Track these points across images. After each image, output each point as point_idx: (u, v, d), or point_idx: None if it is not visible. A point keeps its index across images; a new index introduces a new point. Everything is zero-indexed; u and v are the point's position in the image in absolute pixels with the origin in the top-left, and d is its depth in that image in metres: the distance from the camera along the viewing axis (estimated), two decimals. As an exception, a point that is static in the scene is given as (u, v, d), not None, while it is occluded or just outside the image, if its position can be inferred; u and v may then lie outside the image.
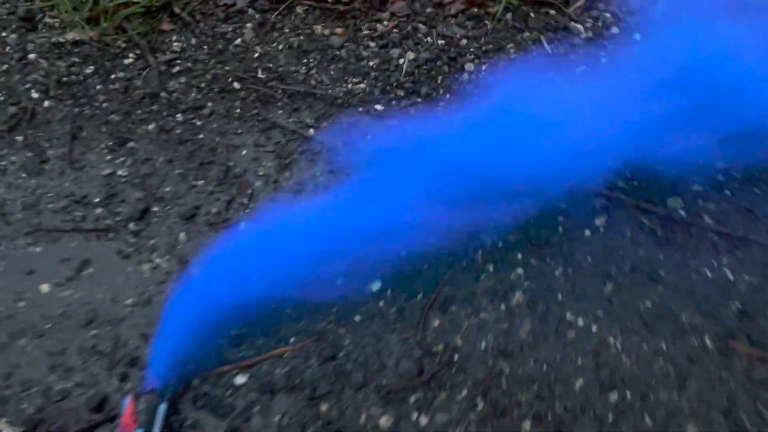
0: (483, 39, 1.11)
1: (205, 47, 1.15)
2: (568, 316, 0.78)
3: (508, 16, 1.16)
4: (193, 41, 1.16)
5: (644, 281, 0.81)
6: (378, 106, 1.01)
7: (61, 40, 1.12)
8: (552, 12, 1.16)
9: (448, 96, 1.01)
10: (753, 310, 0.78)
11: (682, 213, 0.87)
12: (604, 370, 0.73)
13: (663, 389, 0.72)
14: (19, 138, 1.00)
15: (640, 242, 0.84)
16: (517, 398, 0.71)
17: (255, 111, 1.03)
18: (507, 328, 0.77)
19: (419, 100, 1.01)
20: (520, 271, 0.82)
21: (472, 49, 1.10)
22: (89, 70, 1.10)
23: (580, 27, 1.11)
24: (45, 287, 0.83)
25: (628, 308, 0.79)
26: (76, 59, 1.11)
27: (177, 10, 1.16)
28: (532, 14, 1.15)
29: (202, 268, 0.82)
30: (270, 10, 1.19)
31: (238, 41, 1.15)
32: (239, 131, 1.01)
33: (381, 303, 0.79)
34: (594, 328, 0.77)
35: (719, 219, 0.86)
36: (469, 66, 1.07)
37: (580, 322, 0.77)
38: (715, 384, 0.72)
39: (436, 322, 0.78)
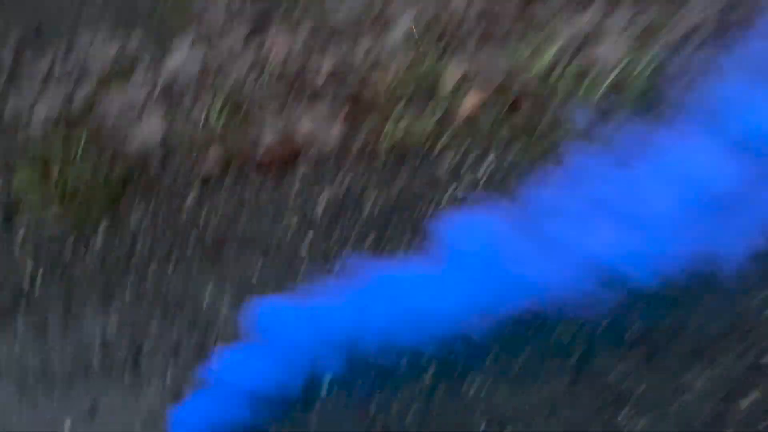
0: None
1: (162, 213, 1.47)
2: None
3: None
4: (152, 209, 1.47)
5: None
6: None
7: (43, 216, 1.40)
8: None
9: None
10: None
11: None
12: None
13: None
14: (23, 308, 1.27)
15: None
16: None
17: (209, 260, 1.35)
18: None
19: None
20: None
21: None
22: (70, 241, 1.39)
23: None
24: (68, 423, 1.09)
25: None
26: (59, 234, 1.40)
27: (135, 186, 1.48)
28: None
29: (189, 397, 1.12)
30: (209, 177, 1.52)
31: (187, 206, 1.47)
32: (198, 281, 1.32)
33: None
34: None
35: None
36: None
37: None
38: None
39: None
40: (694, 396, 1.03)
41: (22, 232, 1.36)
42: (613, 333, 1.08)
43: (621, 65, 1.36)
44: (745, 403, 1.01)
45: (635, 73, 1.41)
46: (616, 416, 1.03)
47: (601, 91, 1.35)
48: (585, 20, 1.57)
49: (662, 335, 1.07)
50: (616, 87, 1.36)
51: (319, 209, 1.30)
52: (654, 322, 1.08)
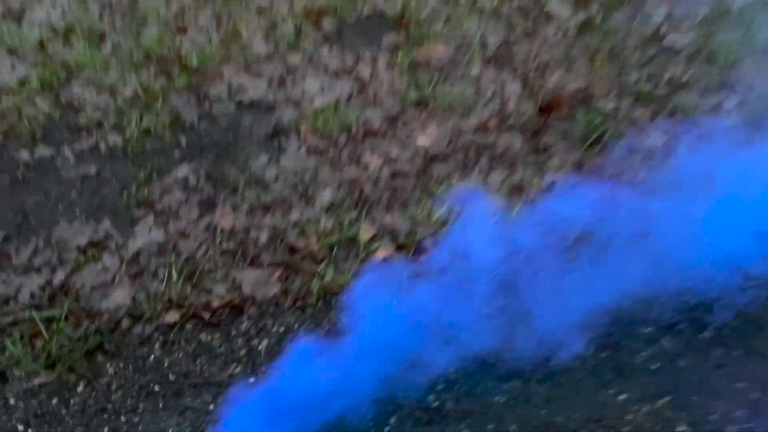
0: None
1: (130, 366, 1.75)
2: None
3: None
4: (122, 364, 1.76)
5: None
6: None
7: (30, 385, 1.68)
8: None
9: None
10: None
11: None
12: None
13: None
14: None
15: None
16: None
17: (172, 402, 1.62)
18: None
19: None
20: None
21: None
22: (54, 401, 1.65)
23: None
24: None
25: None
26: (44, 396, 1.67)
27: (107, 346, 1.77)
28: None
29: None
30: (169, 331, 1.83)
31: (151, 357, 1.76)
32: (164, 419, 1.58)
33: None
34: None
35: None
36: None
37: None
38: None
39: None
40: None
41: (12, 399, 1.62)
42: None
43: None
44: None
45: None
46: None
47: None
48: (471, 180, 2.03)
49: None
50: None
51: (263, 350, 1.62)
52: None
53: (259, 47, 2.50)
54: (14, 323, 1.63)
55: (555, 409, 1.43)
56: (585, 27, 2.53)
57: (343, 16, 2.64)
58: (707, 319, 1.56)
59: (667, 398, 1.43)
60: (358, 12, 2.68)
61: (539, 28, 2.57)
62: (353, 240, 1.81)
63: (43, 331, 1.61)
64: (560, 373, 1.47)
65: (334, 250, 1.79)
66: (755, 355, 1.50)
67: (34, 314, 1.64)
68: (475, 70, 2.40)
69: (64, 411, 1.57)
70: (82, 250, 1.80)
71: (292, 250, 1.78)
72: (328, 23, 2.62)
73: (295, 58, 2.46)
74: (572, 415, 1.41)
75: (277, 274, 1.73)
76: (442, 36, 2.54)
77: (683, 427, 1.36)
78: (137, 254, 1.79)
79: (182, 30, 2.56)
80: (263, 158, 2.09)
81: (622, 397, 1.44)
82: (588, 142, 2.07)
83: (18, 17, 2.62)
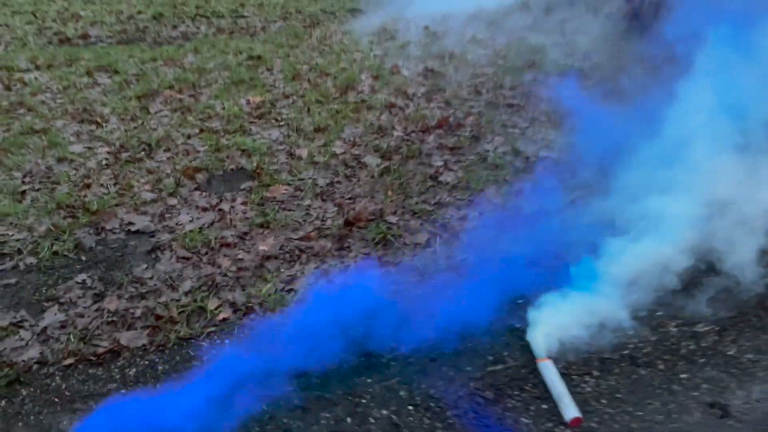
0: None
1: (38, 390, 2.49)
2: None
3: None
4: (32, 389, 2.50)
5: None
6: None
7: None
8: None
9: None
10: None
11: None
12: None
13: None
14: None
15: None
16: None
17: (67, 406, 2.38)
18: None
19: None
20: None
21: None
22: None
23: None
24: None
25: None
26: None
27: (22, 379, 2.52)
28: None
29: None
30: (67, 369, 2.59)
31: (53, 384, 2.50)
32: (61, 417, 2.33)
33: None
34: None
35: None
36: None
37: None
38: None
39: None
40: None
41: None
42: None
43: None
44: None
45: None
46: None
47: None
48: (294, 270, 3.00)
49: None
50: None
51: (132, 374, 2.45)
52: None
53: (146, 195, 3.51)
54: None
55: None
56: (386, 171, 3.70)
57: (212, 171, 3.72)
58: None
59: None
60: (224, 168, 3.77)
61: (355, 173, 3.72)
62: (203, 309, 2.72)
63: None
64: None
65: (188, 316, 2.69)
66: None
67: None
68: (306, 202, 3.48)
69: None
70: (4, 329, 2.62)
71: (158, 317, 2.67)
72: (201, 176, 3.68)
73: (173, 201, 3.48)
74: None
75: (146, 332, 2.60)
76: (285, 181, 3.64)
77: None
78: (45, 329, 2.63)
79: (87, 186, 3.56)
80: (143, 266, 3.01)
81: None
82: (375, 242, 3.12)
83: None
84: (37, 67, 5.25)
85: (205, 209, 3.35)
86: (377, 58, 5.32)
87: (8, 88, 4.73)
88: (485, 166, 3.69)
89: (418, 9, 7.16)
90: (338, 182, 3.60)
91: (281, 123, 4.23)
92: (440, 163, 3.74)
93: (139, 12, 7.38)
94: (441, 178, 3.60)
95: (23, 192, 3.45)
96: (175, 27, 7.02)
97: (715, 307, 2.68)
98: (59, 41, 6.35)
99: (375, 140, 3.94)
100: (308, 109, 4.38)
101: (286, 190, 3.51)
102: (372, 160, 3.77)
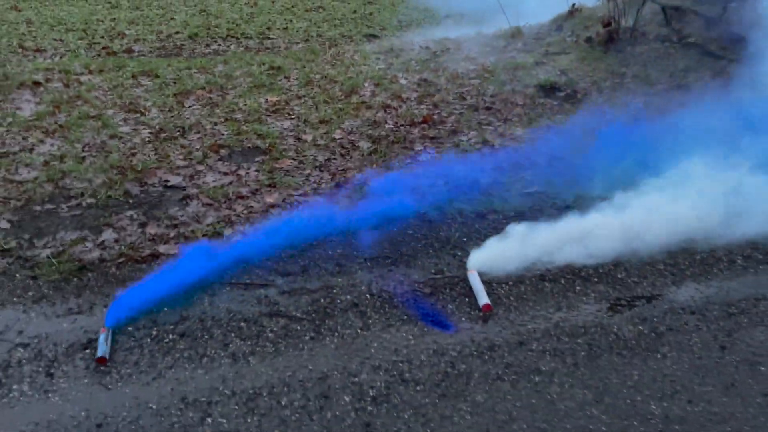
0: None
1: None
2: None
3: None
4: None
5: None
6: None
7: None
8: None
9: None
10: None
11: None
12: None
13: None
14: None
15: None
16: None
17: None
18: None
19: None
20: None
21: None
22: None
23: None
24: None
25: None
26: None
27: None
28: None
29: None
30: None
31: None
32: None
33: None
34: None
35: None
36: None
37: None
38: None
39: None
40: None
41: None
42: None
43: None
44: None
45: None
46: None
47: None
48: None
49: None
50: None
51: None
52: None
53: (179, 162, 4.58)
54: None
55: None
56: (374, 151, 4.74)
57: (233, 148, 4.79)
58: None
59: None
60: (243, 146, 4.84)
61: (349, 152, 4.77)
62: (219, 234, 3.75)
63: None
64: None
65: (209, 238, 3.72)
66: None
67: None
68: (307, 171, 4.51)
69: None
70: (74, 240, 3.68)
71: (186, 237, 3.71)
72: (223, 151, 4.75)
73: (200, 167, 4.54)
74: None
75: (177, 245, 3.63)
76: (291, 156, 4.69)
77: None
78: (103, 242, 3.68)
79: (133, 155, 4.65)
80: (176, 208, 4.06)
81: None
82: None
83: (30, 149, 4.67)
84: (90, 72, 6.42)
85: (225, 173, 4.41)
86: (380, 70, 6.40)
87: (67, 86, 5.88)
88: (456, 151, 4.70)
89: (425, 34, 8.30)
90: (334, 159, 4.64)
91: (292, 116, 5.31)
92: (420, 148, 4.76)
93: (177, 32, 8.61)
94: (418, 157, 4.62)
95: (83, 157, 4.54)
96: (208, 45, 8.22)
97: None
98: (107, 54, 7.57)
99: (369, 130, 4.99)
100: (316, 107, 5.46)
101: (291, 162, 4.56)
102: (364, 144, 4.81)
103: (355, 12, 10.09)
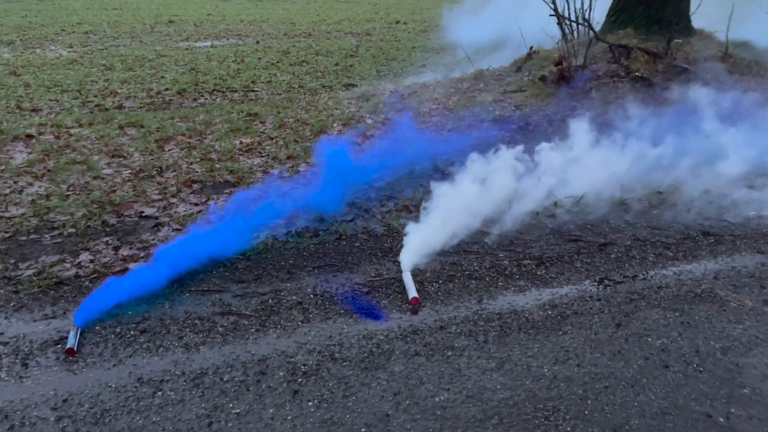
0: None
1: None
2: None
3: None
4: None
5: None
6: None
7: None
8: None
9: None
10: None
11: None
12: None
13: None
14: None
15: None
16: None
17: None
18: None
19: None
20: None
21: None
22: None
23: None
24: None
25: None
26: None
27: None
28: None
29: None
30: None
31: None
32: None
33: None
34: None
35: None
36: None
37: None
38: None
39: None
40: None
41: None
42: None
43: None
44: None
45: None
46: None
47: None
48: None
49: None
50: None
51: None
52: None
53: (155, 196, 5.14)
54: None
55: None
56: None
57: (205, 182, 5.35)
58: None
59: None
60: (214, 180, 5.40)
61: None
62: (193, 222, 4.27)
63: None
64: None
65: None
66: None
67: None
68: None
69: None
70: (54, 263, 4.20)
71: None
72: (196, 186, 5.31)
73: (174, 200, 5.09)
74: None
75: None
76: (258, 188, 5.24)
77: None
78: (80, 262, 4.20)
79: (113, 191, 5.21)
80: (148, 234, 4.59)
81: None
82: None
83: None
84: (81, 125, 7.05)
85: (196, 204, 4.95)
86: (350, 113, 7.02)
87: (58, 137, 6.51)
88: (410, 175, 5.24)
89: (399, 81, 8.97)
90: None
91: (263, 154, 5.88)
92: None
93: (167, 89, 9.31)
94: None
95: (67, 195, 5.09)
96: (195, 99, 8.89)
97: (541, 246, 4.11)
98: (98, 111, 8.24)
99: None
100: (286, 146, 6.04)
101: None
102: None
103: (336, 65, 10.81)
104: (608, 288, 3.60)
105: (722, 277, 3.73)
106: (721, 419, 2.64)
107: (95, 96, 8.64)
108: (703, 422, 2.62)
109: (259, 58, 11.20)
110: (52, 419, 2.72)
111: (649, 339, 3.14)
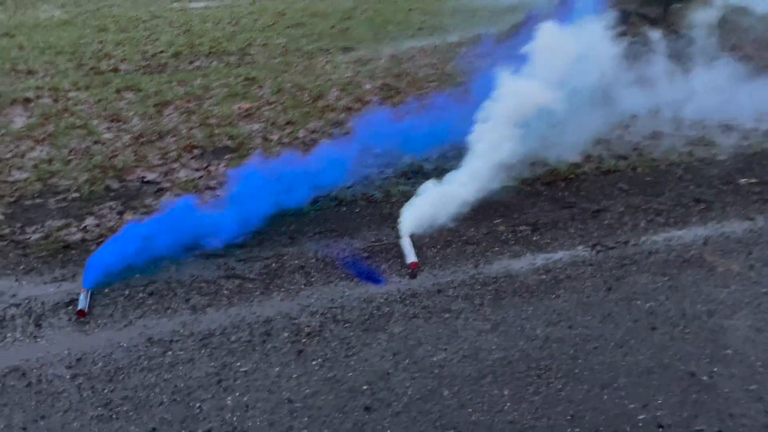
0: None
1: None
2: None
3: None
4: None
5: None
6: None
7: None
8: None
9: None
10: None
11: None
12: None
13: None
14: None
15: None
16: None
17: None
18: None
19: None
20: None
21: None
22: None
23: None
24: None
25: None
26: None
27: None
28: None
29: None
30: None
31: None
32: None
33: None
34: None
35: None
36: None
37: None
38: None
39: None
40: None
41: None
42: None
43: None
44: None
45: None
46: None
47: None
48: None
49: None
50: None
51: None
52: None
53: (156, 161, 5.26)
54: None
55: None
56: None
57: (206, 148, 5.46)
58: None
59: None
60: (215, 146, 5.51)
61: (309, 149, 5.43)
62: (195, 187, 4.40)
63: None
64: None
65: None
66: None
67: None
68: None
69: None
70: (60, 227, 4.34)
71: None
72: (196, 151, 5.43)
73: (175, 165, 5.21)
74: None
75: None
76: (258, 154, 5.36)
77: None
78: (85, 227, 4.34)
79: (114, 156, 5.32)
80: (151, 199, 4.72)
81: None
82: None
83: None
84: (78, 89, 7.12)
85: (197, 169, 5.07)
86: (347, 78, 7.09)
87: (56, 101, 6.59)
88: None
89: (396, 45, 9.02)
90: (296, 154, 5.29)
91: (262, 120, 5.98)
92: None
93: (162, 51, 9.32)
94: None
95: (69, 160, 5.21)
96: (191, 62, 8.92)
97: (535, 213, 4.26)
98: (94, 74, 8.28)
99: (330, 129, 5.66)
100: (285, 111, 6.14)
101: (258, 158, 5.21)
102: (326, 140, 5.48)
103: (333, 27, 10.81)
104: (601, 252, 3.75)
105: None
106: (705, 377, 2.82)
107: (90, 58, 8.66)
108: (687, 380, 2.80)
109: (255, 20, 11.19)
110: (68, 377, 2.88)
111: (638, 302, 3.30)
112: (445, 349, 2.99)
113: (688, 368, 2.85)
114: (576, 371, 2.83)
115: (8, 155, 5.13)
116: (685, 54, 6.48)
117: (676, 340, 3.02)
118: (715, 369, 2.85)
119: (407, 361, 2.92)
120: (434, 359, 2.93)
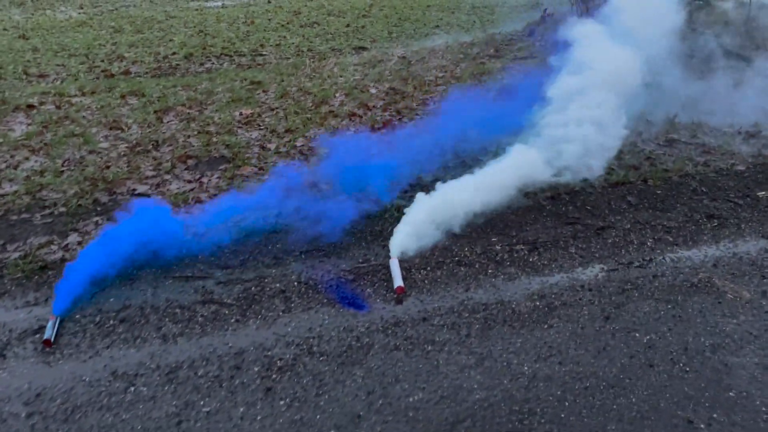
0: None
1: None
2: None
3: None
4: None
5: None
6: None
7: None
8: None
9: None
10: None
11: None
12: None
13: None
14: None
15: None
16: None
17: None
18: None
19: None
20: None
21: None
22: None
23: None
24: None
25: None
26: None
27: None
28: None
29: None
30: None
31: None
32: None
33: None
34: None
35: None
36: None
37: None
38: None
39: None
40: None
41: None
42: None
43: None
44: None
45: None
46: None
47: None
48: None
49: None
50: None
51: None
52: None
53: (149, 172, 5.09)
54: None
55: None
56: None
57: (200, 158, 5.28)
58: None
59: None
60: (210, 156, 5.33)
61: (307, 159, 5.22)
62: (185, 200, 4.22)
63: None
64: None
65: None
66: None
67: None
68: (266, 177, 4.97)
69: None
70: (42, 245, 4.18)
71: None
72: (191, 161, 5.25)
73: (167, 176, 5.04)
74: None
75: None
76: (253, 164, 5.16)
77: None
78: (67, 245, 4.18)
79: (107, 167, 5.16)
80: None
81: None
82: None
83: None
84: (83, 94, 7.00)
85: (189, 181, 4.89)
86: (354, 81, 6.86)
87: (59, 107, 6.46)
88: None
89: (410, 44, 8.76)
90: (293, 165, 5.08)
91: (262, 127, 5.78)
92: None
93: (174, 53, 9.19)
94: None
95: (62, 171, 5.06)
96: (202, 64, 8.77)
97: (536, 230, 3.99)
98: (105, 76, 8.17)
99: (330, 138, 5.44)
100: (286, 117, 5.93)
101: (251, 169, 5.02)
102: (323, 150, 5.26)
103: (348, 26, 10.58)
104: (602, 276, 3.48)
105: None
106: (702, 425, 2.54)
107: (102, 60, 8.57)
108: (682, 428, 2.53)
109: (270, 19, 11.01)
110: (23, 415, 2.71)
111: (637, 334, 3.03)
112: (423, 388, 2.76)
113: (685, 414, 2.59)
114: (562, 416, 2.58)
115: (2, 166, 4.99)
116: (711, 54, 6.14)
117: (674, 379, 2.75)
118: (715, 415, 2.58)
119: (381, 401, 2.70)
120: (410, 400, 2.71)
